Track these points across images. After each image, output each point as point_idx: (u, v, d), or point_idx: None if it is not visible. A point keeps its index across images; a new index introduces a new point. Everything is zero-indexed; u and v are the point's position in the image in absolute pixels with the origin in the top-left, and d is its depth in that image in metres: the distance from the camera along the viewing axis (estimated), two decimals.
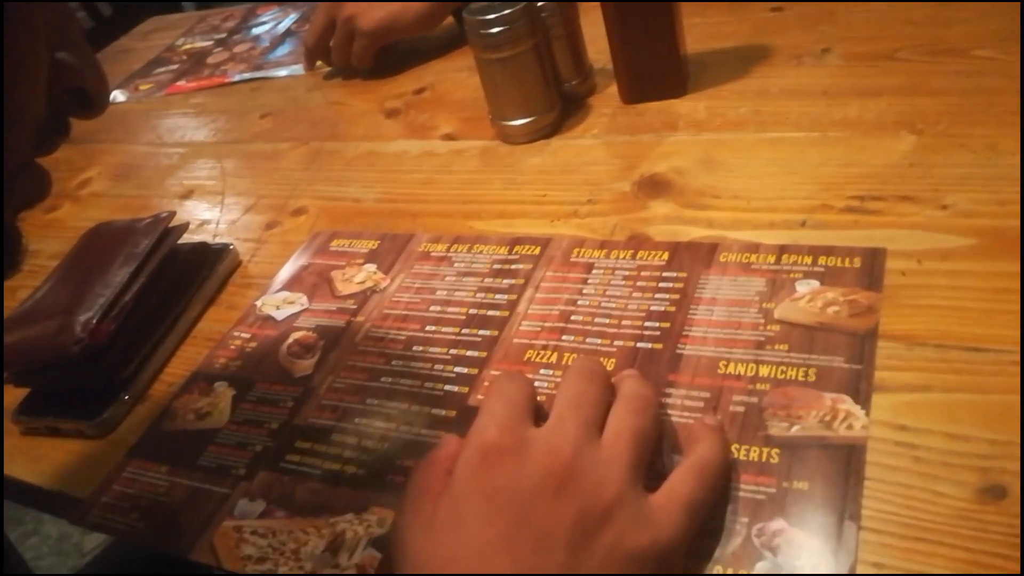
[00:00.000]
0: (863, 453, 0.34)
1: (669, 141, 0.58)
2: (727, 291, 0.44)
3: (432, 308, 0.50)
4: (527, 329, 0.46)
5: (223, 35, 1.07)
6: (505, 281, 0.50)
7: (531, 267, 0.50)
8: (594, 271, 0.48)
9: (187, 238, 0.59)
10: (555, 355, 0.44)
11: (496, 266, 0.51)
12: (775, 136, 0.55)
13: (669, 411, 0.39)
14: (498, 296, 0.49)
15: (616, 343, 0.43)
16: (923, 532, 0.31)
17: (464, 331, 0.47)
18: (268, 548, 0.39)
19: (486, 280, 0.50)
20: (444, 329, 0.48)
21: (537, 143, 0.62)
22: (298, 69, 0.90)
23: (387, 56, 0.82)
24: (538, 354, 0.44)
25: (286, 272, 0.57)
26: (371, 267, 0.55)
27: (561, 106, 0.64)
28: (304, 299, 0.54)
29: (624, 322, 0.44)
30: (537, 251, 0.51)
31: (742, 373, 0.39)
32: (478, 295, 0.50)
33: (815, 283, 0.43)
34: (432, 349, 0.47)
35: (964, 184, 0.46)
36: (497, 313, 0.48)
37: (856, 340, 0.39)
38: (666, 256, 0.48)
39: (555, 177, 0.58)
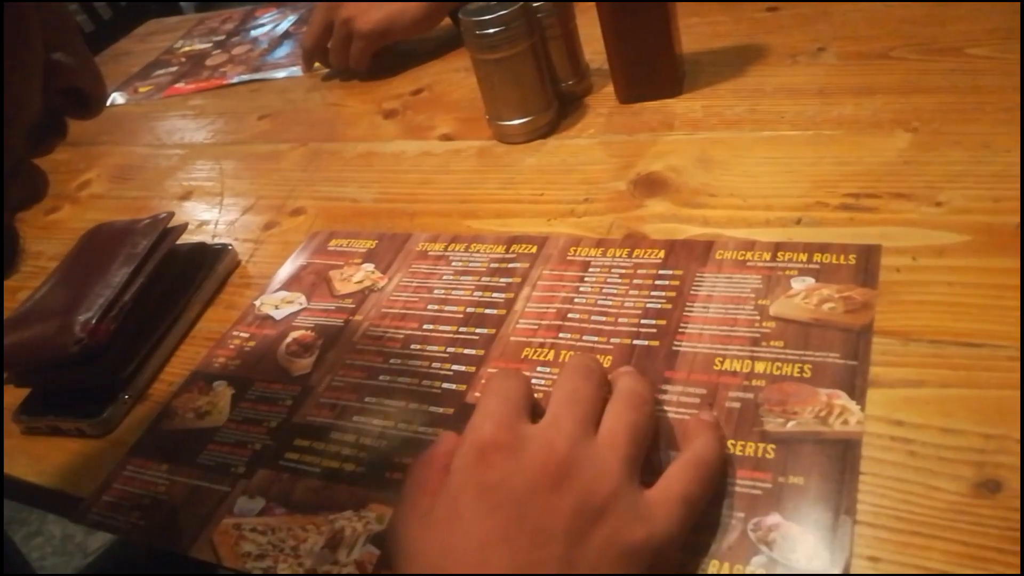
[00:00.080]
0: (858, 448, 0.35)
1: (665, 140, 0.58)
2: (723, 288, 0.44)
3: (430, 307, 0.50)
4: (524, 327, 0.46)
5: (222, 37, 1.08)
6: (502, 280, 0.50)
7: (528, 266, 0.50)
8: (591, 269, 0.49)
9: (186, 238, 0.60)
10: (552, 353, 0.44)
11: (493, 265, 0.51)
12: (771, 135, 0.55)
13: (665, 407, 0.39)
14: (495, 295, 0.49)
15: (613, 340, 0.44)
16: (918, 526, 0.32)
17: (461, 329, 0.47)
18: (267, 545, 0.39)
19: (483, 279, 0.51)
20: (442, 327, 0.48)
21: (534, 143, 0.63)
22: (296, 71, 0.90)
23: (385, 57, 0.82)
24: (535, 352, 0.45)
25: (285, 272, 0.57)
26: (369, 266, 0.55)
27: (557, 106, 0.64)
28: (303, 298, 0.54)
29: (621, 319, 0.45)
30: (534, 250, 0.52)
31: (738, 369, 0.40)
32: (475, 294, 0.50)
33: (810, 280, 0.43)
34: (430, 347, 0.47)
35: (958, 181, 0.46)
36: (494, 311, 0.48)
37: (851, 336, 0.39)
38: (662, 254, 0.48)
39: (552, 176, 0.59)
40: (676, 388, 0.40)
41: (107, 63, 1.11)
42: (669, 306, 0.44)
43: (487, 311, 0.48)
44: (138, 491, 0.44)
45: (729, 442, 0.36)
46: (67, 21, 0.32)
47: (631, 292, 0.46)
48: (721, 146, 0.56)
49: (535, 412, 0.37)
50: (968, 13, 0.59)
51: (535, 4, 0.60)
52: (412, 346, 0.47)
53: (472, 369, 0.45)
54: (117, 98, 0.99)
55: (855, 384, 0.37)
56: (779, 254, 0.45)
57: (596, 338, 0.44)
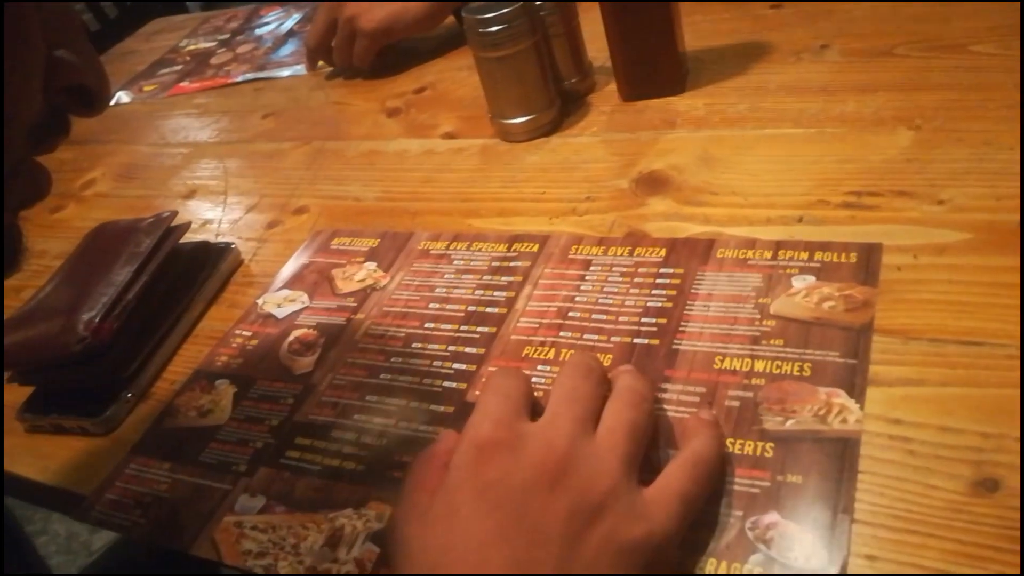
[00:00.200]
0: (857, 447, 0.35)
1: (667, 138, 0.58)
2: (723, 287, 0.44)
3: (431, 305, 0.50)
4: (525, 326, 0.46)
5: (226, 36, 1.08)
6: (504, 278, 0.50)
7: (529, 264, 0.51)
8: (592, 268, 0.49)
9: (190, 237, 0.60)
10: (553, 351, 0.44)
11: (495, 263, 0.52)
12: (773, 133, 0.55)
13: (665, 406, 0.39)
14: (496, 293, 0.49)
15: (613, 339, 0.44)
16: (916, 525, 0.32)
17: (463, 328, 0.48)
18: (268, 543, 0.39)
19: (485, 277, 0.51)
20: (443, 326, 0.48)
21: (536, 141, 0.63)
22: (300, 69, 0.90)
23: (388, 56, 0.82)
24: (536, 350, 0.45)
25: (287, 270, 0.58)
26: (371, 265, 0.55)
27: (560, 104, 0.64)
28: (305, 297, 0.54)
29: (621, 318, 0.45)
30: (535, 248, 0.52)
31: (737, 368, 0.40)
32: (477, 292, 0.50)
33: (811, 278, 0.43)
34: (431, 346, 0.47)
35: (961, 179, 0.46)
36: (495, 310, 0.48)
37: (851, 335, 0.39)
38: (663, 252, 0.48)
39: (554, 175, 0.59)
40: (676, 387, 0.40)
41: (112, 62, 1.12)
42: (670, 305, 0.44)
43: (488, 310, 0.48)
44: (140, 489, 0.44)
45: (728, 440, 0.36)
46: (70, 18, 0.32)
47: (632, 291, 0.46)
48: (723, 144, 0.56)
49: (535, 410, 0.37)
50: (972, 10, 0.59)
51: (537, 2, 0.60)
52: (413, 345, 0.48)
53: (473, 368, 0.45)
54: (122, 97, 0.99)
55: (854, 383, 0.37)
56: (780, 252, 0.45)
57: (597, 337, 0.44)
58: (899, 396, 0.36)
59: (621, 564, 0.30)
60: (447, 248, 0.54)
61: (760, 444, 0.36)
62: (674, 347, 0.42)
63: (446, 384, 0.44)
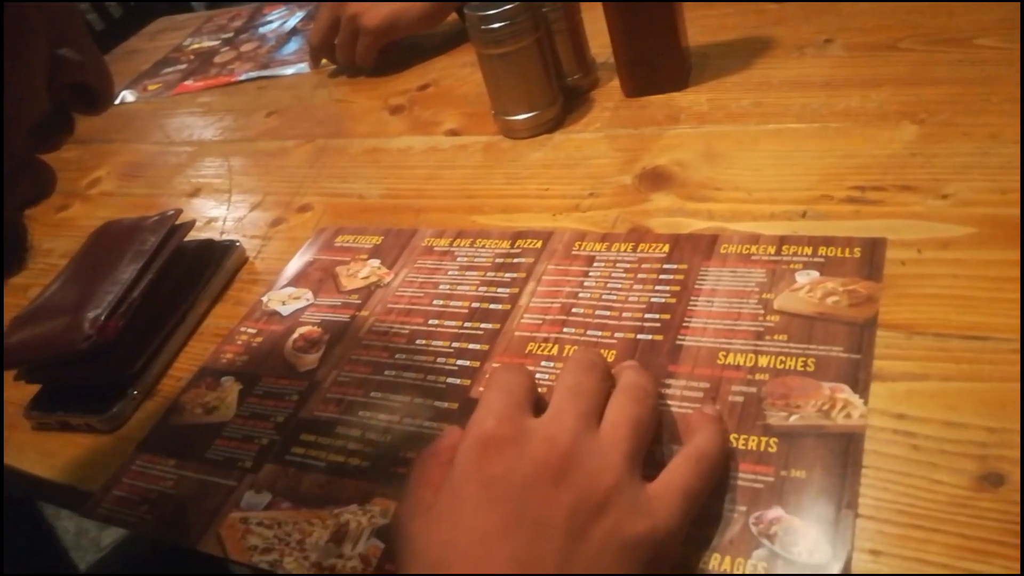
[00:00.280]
0: (861, 442, 0.35)
1: (671, 134, 0.58)
2: (727, 282, 0.44)
3: (435, 302, 0.50)
4: (529, 322, 0.46)
5: (230, 34, 1.08)
6: (507, 275, 0.50)
7: (533, 261, 0.51)
8: (595, 264, 0.49)
9: (195, 235, 0.60)
10: (556, 347, 0.44)
11: (498, 260, 0.52)
12: (776, 128, 0.55)
13: (669, 401, 0.39)
14: (500, 290, 0.49)
15: (617, 335, 0.44)
16: (920, 519, 0.32)
17: (466, 324, 0.48)
18: (274, 539, 0.39)
19: (488, 274, 0.51)
20: (447, 323, 0.48)
21: (539, 137, 0.63)
22: (304, 67, 0.90)
23: (391, 53, 0.82)
24: (539, 346, 0.45)
25: (292, 268, 0.58)
26: (375, 262, 0.55)
27: (563, 100, 0.64)
28: (309, 294, 0.55)
29: (625, 314, 0.45)
30: (539, 245, 0.52)
31: (741, 363, 0.40)
32: (480, 289, 0.50)
33: (815, 273, 0.43)
34: (435, 343, 0.47)
35: (965, 173, 0.46)
36: (499, 306, 0.48)
37: (855, 330, 0.39)
38: (667, 248, 0.48)
39: (557, 171, 0.59)
40: (679, 382, 0.40)
41: (117, 61, 1.12)
42: (673, 300, 0.44)
43: (492, 306, 0.48)
44: (146, 486, 0.44)
45: (731, 436, 0.36)
46: (73, 17, 0.33)
47: (635, 287, 0.46)
48: (727, 139, 0.55)
49: (539, 407, 0.37)
50: (976, 4, 0.59)
51: None
52: (417, 341, 0.48)
53: (477, 364, 0.45)
54: (127, 96, 1.00)
55: (858, 378, 0.37)
56: (784, 248, 0.45)
57: (600, 333, 0.44)
58: (903, 391, 0.36)
59: (624, 559, 0.30)
60: (451, 245, 0.54)
61: (764, 439, 0.36)
62: (678, 343, 0.42)
63: (450, 380, 0.44)
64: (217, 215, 0.68)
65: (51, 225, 0.75)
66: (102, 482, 0.45)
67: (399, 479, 0.40)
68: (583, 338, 0.44)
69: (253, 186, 0.71)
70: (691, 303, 0.44)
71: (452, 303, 0.50)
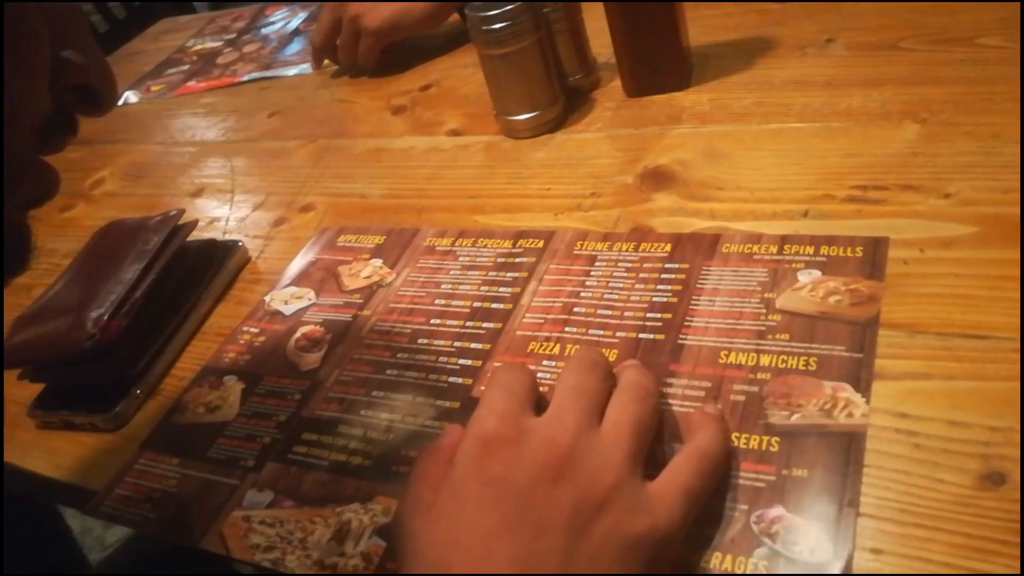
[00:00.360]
0: (863, 441, 0.35)
1: (673, 134, 0.58)
2: (729, 281, 0.44)
3: (437, 302, 0.50)
4: (530, 321, 0.46)
5: (232, 35, 1.08)
6: (509, 274, 0.50)
7: (535, 260, 0.51)
8: (597, 263, 0.49)
9: (198, 235, 0.60)
10: (558, 347, 0.44)
11: (500, 259, 0.52)
12: (778, 127, 0.55)
13: (670, 401, 0.39)
14: (502, 289, 0.49)
15: (618, 334, 0.44)
16: (922, 518, 0.32)
17: (468, 324, 0.48)
18: (276, 537, 0.39)
19: (490, 273, 0.51)
20: (449, 322, 0.48)
21: (541, 137, 0.63)
22: (306, 68, 0.91)
23: (393, 54, 0.82)
24: (541, 346, 0.45)
25: (294, 268, 0.58)
26: (377, 262, 0.55)
27: (565, 100, 0.64)
28: (312, 294, 0.55)
29: (626, 313, 0.45)
30: (541, 244, 0.52)
31: (743, 362, 0.40)
32: (482, 288, 0.50)
33: (817, 273, 0.43)
34: (437, 342, 0.47)
35: (967, 172, 0.46)
36: (501, 306, 0.48)
37: (857, 329, 0.39)
38: (668, 248, 0.48)
39: (559, 171, 0.59)
40: (681, 381, 0.40)
41: (120, 62, 1.12)
42: (675, 299, 0.44)
43: (493, 306, 0.48)
44: (149, 484, 0.44)
45: (733, 435, 0.36)
46: (76, 19, 0.33)
47: (637, 286, 0.46)
48: (728, 139, 0.55)
49: (540, 406, 0.37)
50: (978, 3, 0.59)
51: None
52: (419, 341, 0.48)
53: (478, 363, 0.45)
54: (130, 97, 1.00)
55: (860, 377, 0.37)
56: (786, 247, 0.45)
57: (602, 332, 0.44)
58: (905, 390, 0.36)
59: (625, 558, 0.30)
60: (452, 244, 0.54)
61: (765, 438, 0.36)
62: (679, 342, 0.42)
63: (452, 380, 0.45)
64: (220, 215, 0.69)
65: (55, 225, 0.75)
66: (106, 481, 0.46)
67: (401, 478, 0.40)
68: (585, 337, 0.44)
69: (256, 186, 0.71)
70: (693, 302, 0.44)
71: (454, 302, 0.50)
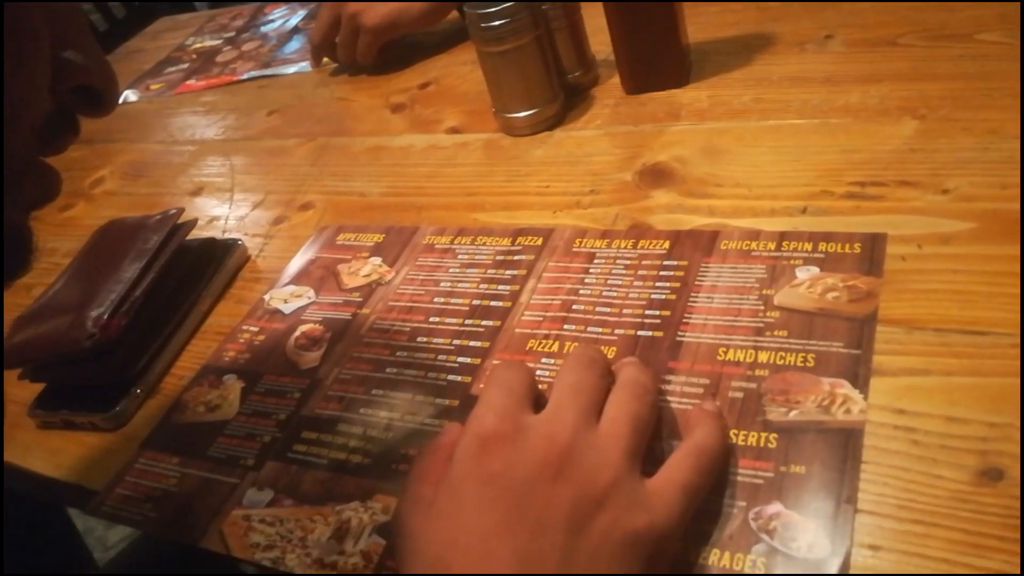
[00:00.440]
0: (861, 437, 0.35)
1: (671, 131, 0.58)
2: (727, 278, 0.44)
3: (436, 299, 0.50)
4: (529, 319, 0.47)
5: (232, 34, 1.08)
6: (508, 272, 0.50)
7: (534, 258, 0.51)
8: (596, 261, 0.49)
9: (197, 234, 0.60)
10: (557, 344, 0.44)
11: (499, 257, 0.52)
12: (777, 124, 0.55)
13: (669, 397, 0.39)
14: (501, 287, 0.49)
15: (617, 331, 0.44)
16: (920, 514, 0.32)
17: (467, 322, 0.48)
18: (276, 536, 0.39)
19: (489, 271, 0.51)
20: (448, 320, 0.48)
21: (540, 135, 0.63)
22: (305, 66, 0.91)
23: (392, 51, 0.82)
24: (540, 343, 0.45)
25: (294, 266, 0.58)
26: (376, 260, 0.55)
27: (564, 98, 0.64)
28: (311, 292, 0.55)
29: (625, 311, 0.45)
30: (540, 242, 0.52)
31: (741, 359, 0.40)
32: (481, 286, 0.50)
33: (815, 269, 0.43)
34: (436, 340, 0.47)
35: (965, 168, 0.46)
36: (500, 304, 0.48)
37: (855, 325, 0.39)
38: (667, 245, 0.48)
39: (558, 168, 0.59)
40: (680, 378, 0.40)
41: (119, 61, 1.12)
42: (673, 297, 0.45)
43: (492, 303, 0.48)
44: (150, 484, 0.45)
45: (731, 432, 0.37)
46: (77, 19, 0.33)
47: (636, 283, 0.46)
48: (727, 136, 0.55)
49: (539, 403, 0.37)
50: None
51: None
52: (418, 339, 0.48)
53: (477, 361, 0.45)
54: (129, 95, 1.00)
55: (858, 373, 0.37)
56: (784, 243, 0.45)
57: (600, 329, 0.44)
58: (903, 386, 0.36)
59: (624, 555, 0.30)
60: (452, 242, 0.54)
61: (764, 435, 0.36)
62: (678, 339, 0.42)
63: (451, 378, 0.45)
64: (219, 214, 0.69)
65: (55, 225, 0.75)
66: (106, 480, 0.46)
67: (400, 476, 0.40)
68: (583, 335, 0.44)
69: (255, 185, 0.71)
70: (691, 299, 0.44)
71: (453, 300, 0.50)
